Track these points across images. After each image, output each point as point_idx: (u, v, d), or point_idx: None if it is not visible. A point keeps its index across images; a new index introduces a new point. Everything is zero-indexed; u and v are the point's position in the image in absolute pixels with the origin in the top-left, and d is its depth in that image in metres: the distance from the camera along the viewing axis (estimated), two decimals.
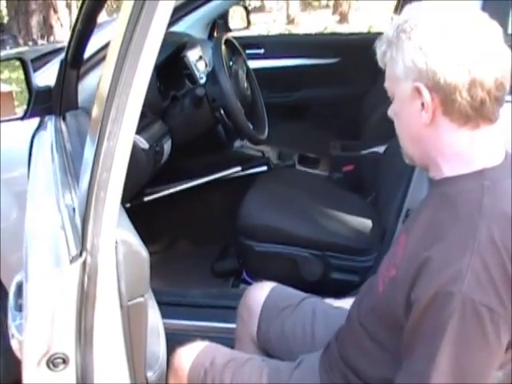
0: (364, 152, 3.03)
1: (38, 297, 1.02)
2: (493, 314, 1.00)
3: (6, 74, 7.03)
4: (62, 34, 7.93)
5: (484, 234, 1.03)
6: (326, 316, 1.66)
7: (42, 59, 2.35)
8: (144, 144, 2.09)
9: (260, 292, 1.77)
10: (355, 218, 2.41)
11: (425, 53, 1.07)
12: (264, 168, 2.87)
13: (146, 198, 2.58)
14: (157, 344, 1.23)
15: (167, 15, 0.86)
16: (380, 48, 1.16)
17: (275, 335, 1.68)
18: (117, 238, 1.01)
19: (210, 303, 2.30)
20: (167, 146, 2.39)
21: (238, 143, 2.93)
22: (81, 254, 0.98)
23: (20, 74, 3.27)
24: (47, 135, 1.80)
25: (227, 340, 1.71)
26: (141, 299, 1.05)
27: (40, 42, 7.29)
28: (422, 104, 1.10)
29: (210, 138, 2.71)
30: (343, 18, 11.70)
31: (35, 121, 2.05)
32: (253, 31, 3.92)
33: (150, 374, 1.18)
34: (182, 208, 2.78)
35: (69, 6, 8.09)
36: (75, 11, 8.35)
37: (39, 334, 1.00)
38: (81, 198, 1.05)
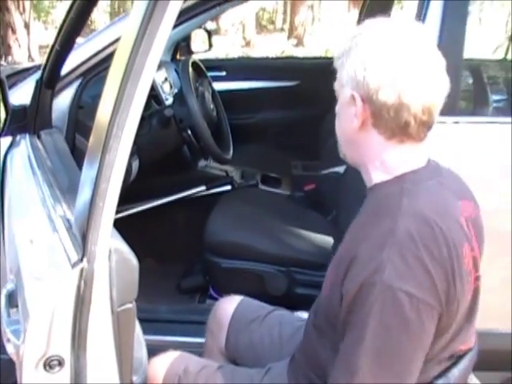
0: (324, 172, 3.06)
1: (39, 301, 1.06)
2: (412, 299, 1.07)
3: None
4: (20, 55, 7.90)
5: (401, 229, 1.11)
6: (292, 327, 1.71)
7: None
8: None
9: (229, 305, 1.81)
10: (317, 235, 2.48)
11: (365, 67, 1.15)
12: (228, 187, 2.94)
13: None
14: (140, 350, 1.28)
15: (164, 42, 0.94)
16: (337, 53, 1.23)
17: (244, 344, 1.73)
18: (110, 246, 1.07)
19: (177, 318, 2.34)
20: (135, 166, 2.43)
21: (202, 163, 2.97)
22: (82, 260, 1.03)
23: None
24: (23, 153, 1.83)
25: (194, 354, 1.71)
26: (130, 305, 1.11)
27: None
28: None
29: (175, 158, 2.76)
30: (299, 42, 11.85)
31: (6, 140, 2.05)
32: (211, 53, 3.96)
33: (135, 378, 1.23)
34: (148, 227, 2.80)
35: (27, 27, 8.02)
36: (34, 32, 8.30)
37: (39, 337, 1.05)
38: (80, 208, 1.10)
